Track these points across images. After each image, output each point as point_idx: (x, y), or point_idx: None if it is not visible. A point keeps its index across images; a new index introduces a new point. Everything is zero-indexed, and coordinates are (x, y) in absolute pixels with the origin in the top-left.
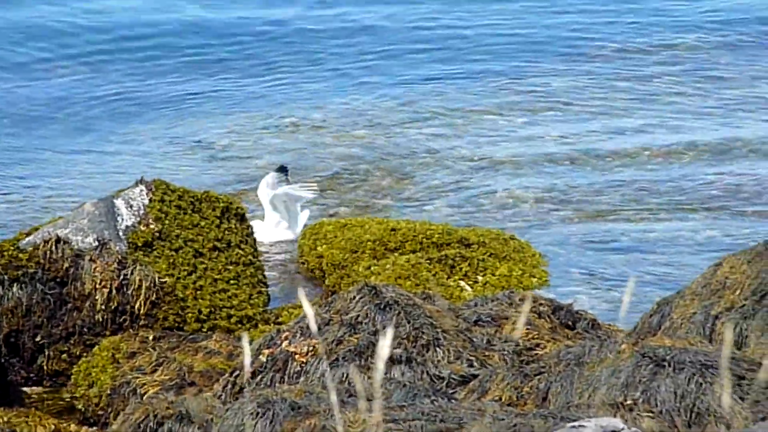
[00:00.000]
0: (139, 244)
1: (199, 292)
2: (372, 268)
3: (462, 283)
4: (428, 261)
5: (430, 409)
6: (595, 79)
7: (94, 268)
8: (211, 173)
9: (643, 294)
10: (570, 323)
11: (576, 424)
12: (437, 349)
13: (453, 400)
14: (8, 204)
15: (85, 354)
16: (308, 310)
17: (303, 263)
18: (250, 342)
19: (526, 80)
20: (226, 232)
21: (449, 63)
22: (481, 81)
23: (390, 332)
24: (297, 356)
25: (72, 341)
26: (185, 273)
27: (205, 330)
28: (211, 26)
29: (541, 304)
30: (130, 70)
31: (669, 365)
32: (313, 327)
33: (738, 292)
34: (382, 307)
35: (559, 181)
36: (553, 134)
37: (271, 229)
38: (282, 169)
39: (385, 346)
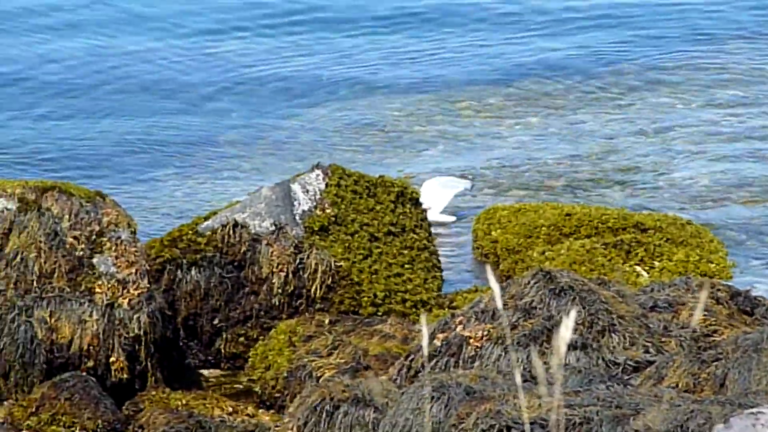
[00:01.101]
0: (316, 229)
1: (374, 276)
2: (546, 254)
3: (638, 268)
4: (603, 246)
5: (606, 394)
6: None
7: (271, 252)
8: (386, 157)
9: None
10: (748, 309)
11: (754, 410)
12: (613, 334)
13: (629, 386)
14: (188, 189)
15: (262, 337)
16: (495, 287)
17: (477, 248)
18: (425, 326)
19: (707, 60)
20: (401, 217)
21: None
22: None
23: (573, 315)
24: (471, 341)
25: (249, 324)
26: (360, 257)
27: (380, 314)
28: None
29: (719, 290)
30: (303, 49)
31: None
32: (499, 304)
33: None
34: (556, 292)
35: (738, 165)
36: (732, 116)
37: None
38: (466, 178)
39: (567, 329)
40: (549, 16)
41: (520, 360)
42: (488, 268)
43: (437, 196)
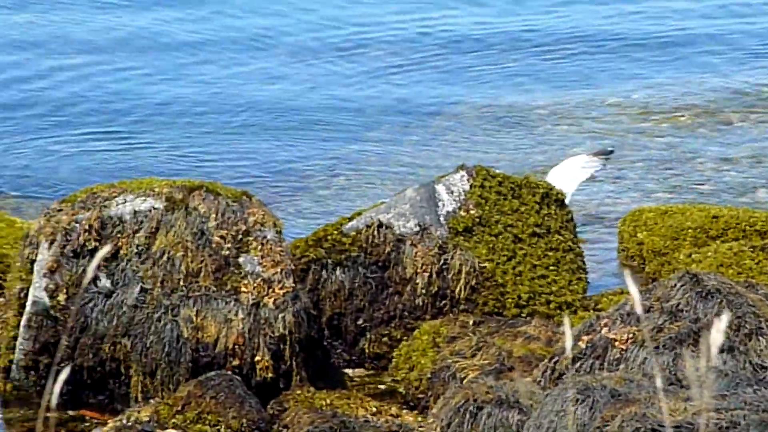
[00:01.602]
0: (460, 230)
1: (518, 278)
2: (693, 256)
3: None
4: (751, 249)
5: (753, 398)
6: None
7: (415, 253)
8: (530, 156)
9: None
10: None
11: None
12: (760, 338)
13: None
14: (333, 189)
15: (405, 338)
16: (634, 291)
17: (623, 250)
18: (570, 327)
19: None
20: (546, 218)
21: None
22: None
23: (725, 318)
24: (617, 343)
25: (393, 325)
26: (505, 258)
27: (524, 315)
28: None
29: None
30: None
31: None
32: (639, 310)
33: None
34: (703, 295)
35: None
36: None
37: None
38: (605, 153)
39: (719, 333)
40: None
41: (665, 363)
42: (627, 272)
43: (567, 180)
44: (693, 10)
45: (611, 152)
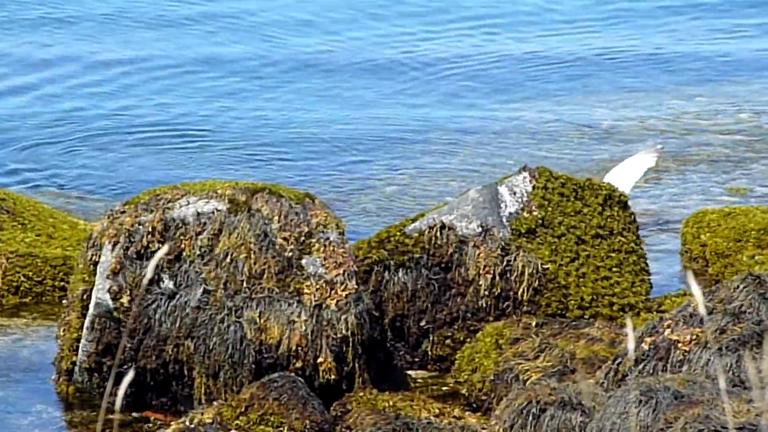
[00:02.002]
0: (522, 231)
1: (581, 280)
2: (756, 258)
3: None
4: None
5: None
6: None
7: (478, 254)
8: (595, 156)
9: None
10: None
11: None
12: None
13: None
14: (396, 190)
15: (468, 339)
16: (697, 293)
17: (686, 252)
18: (633, 329)
19: None
20: (609, 220)
21: None
22: None
23: None
24: (680, 344)
25: (456, 326)
26: (567, 260)
27: (587, 317)
28: None
29: None
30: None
31: None
32: (702, 311)
33: None
34: (766, 296)
35: None
36: None
37: None
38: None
39: None
40: None
41: (729, 365)
42: (689, 273)
43: (624, 179)
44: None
45: (661, 148)
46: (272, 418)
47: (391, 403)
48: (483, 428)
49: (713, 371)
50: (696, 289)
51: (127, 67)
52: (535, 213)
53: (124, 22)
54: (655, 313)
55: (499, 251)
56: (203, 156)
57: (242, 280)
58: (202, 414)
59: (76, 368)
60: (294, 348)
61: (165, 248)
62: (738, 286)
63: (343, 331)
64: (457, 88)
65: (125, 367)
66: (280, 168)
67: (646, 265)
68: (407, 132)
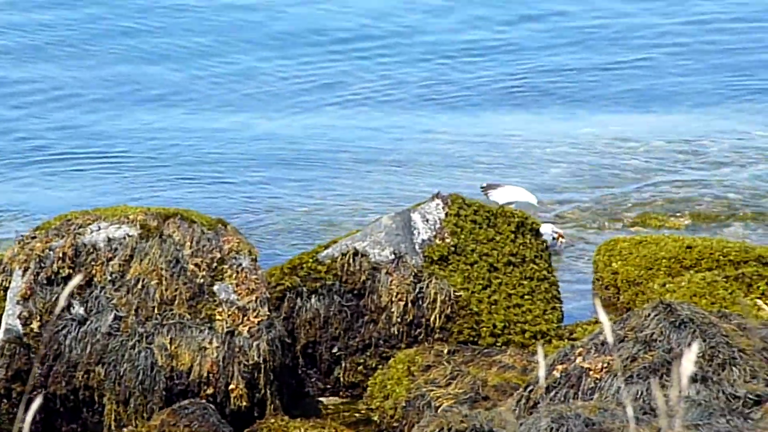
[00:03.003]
0: (435, 258)
1: (493, 307)
2: (667, 286)
3: (759, 302)
4: (725, 279)
5: (726, 428)
6: None
7: (391, 281)
8: (507, 176)
9: None
10: None
11: None
12: (733, 368)
13: (749, 420)
14: (308, 216)
15: (380, 366)
16: (605, 321)
17: (598, 279)
18: (544, 356)
19: None
20: (521, 247)
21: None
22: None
23: (695, 348)
24: (591, 372)
25: (368, 353)
26: (480, 287)
27: (499, 344)
28: None
29: None
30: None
31: None
32: (610, 339)
33: None
34: (677, 324)
35: None
36: None
37: None
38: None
39: (689, 362)
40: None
41: (639, 392)
42: (598, 301)
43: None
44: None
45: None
46: None
47: (302, 430)
48: None
49: (624, 399)
50: (604, 318)
51: (33, 92)
52: (447, 240)
53: (23, 49)
54: (566, 340)
55: (411, 278)
56: (114, 180)
57: (153, 306)
58: None
59: None
60: (205, 374)
61: (79, 278)
62: (649, 314)
63: (255, 358)
64: (369, 109)
65: (35, 393)
66: (191, 191)
67: (558, 292)
68: (319, 161)
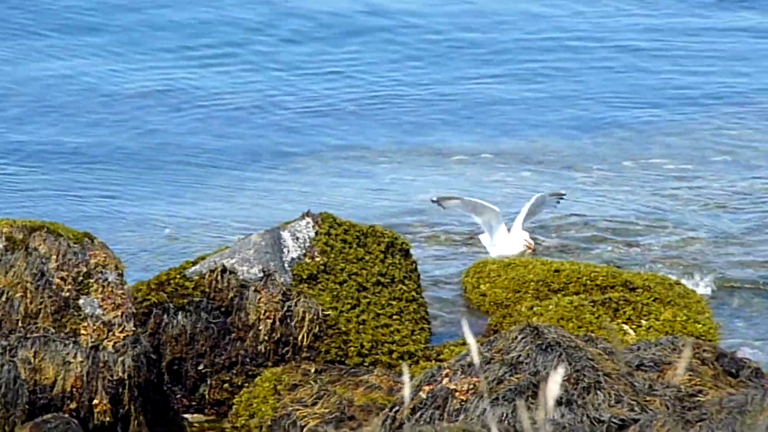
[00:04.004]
0: (304, 277)
1: (361, 327)
2: (535, 309)
3: (625, 326)
4: (591, 303)
5: None
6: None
7: (259, 299)
8: (376, 205)
9: None
10: (733, 371)
11: None
12: (598, 392)
13: None
14: (175, 232)
15: (246, 384)
16: (471, 342)
17: (466, 301)
18: (411, 377)
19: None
20: (390, 267)
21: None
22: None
23: (561, 371)
24: (457, 394)
25: (234, 371)
26: (348, 307)
27: (366, 364)
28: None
29: (704, 350)
30: (302, 103)
31: None
32: (476, 360)
33: None
34: (543, 347)
35: (729, 225)
36: (721, 181)
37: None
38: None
39: (555, 385)
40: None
41: (505, 414)
42: (464, 322)
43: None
44: None
45: (563, 195)
46: None
47: None
48: None
49: (489, 420)
50: (471, 340)
51: None
52: (317, 259)
53: None
54: (434, 361)
55: (280, 296)
56: None
57: (17, 320)
58: None
59: None
60: (69, 389)
61: None
62: (516, 337)
63: (120, 373)
64: (239, 130)
65: None
66: (59, 206)
67: (427, 313)
68: (189, 174)
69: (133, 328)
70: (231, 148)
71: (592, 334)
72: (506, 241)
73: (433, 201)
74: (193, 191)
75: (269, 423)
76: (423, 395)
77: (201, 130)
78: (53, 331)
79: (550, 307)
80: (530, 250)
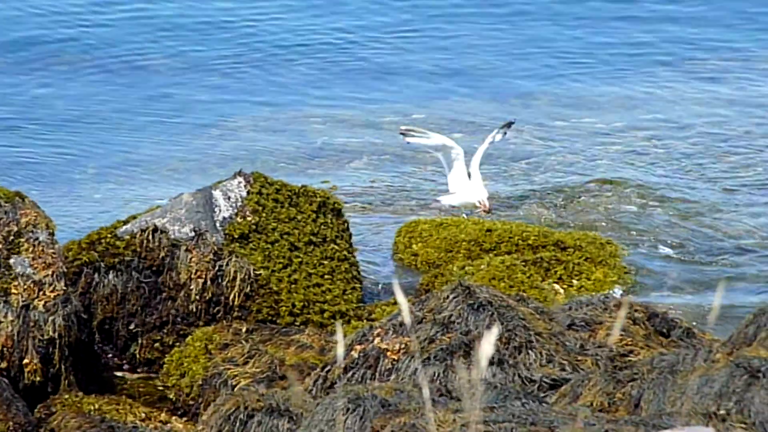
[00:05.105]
0: (236, 236)
1: (293, 286)
2: (466, 268)
3: (556, 286)
4: (523, 263)
5: (521, 411)
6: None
7: (190, 259)
8: (309, 167)
9: (741, 302)
10: (665, 331)
11: (668, 431)
12: (530, 351)
13: (544, 404)
14: (108, 192)
15: (178, 344)
16: (402, 301)
17: (398, 261)
18: (343, 337)
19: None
20: (322, 227)
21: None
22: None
23: (495, 331)
24: (389, 353)
25: (165, 330)
26: (280, 266)
27: (298, 324)
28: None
29: (636, 311)
30: (230, 66)
31: (764, 376)
32: (407, 320)
33: None
34: (475, 307)
35: (662, 183)
36: (653, 140)
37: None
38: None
39: (489, 345)
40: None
41: (436, 374)
42: (395, 283)
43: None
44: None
45: (512, 123)
46: None
47: (96, 406)
48: None
49: (421, 380)
50: (402, 299)
51: None
52: (249, 218)
53: None
54: (365, 321)
55: (211, 256)
56: None
57: None
58: None
59: None
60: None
61: None
62: (448, 296)
63: (50, 333)
64: (172, 90)
65: None
66: None
67: (359, 273)
68: (119, 132)
69: (64, 288)
70: (159, 108)
71: (524, 294)
72: (466, 188)
73: (400, 133)
74: (121, 152)
75: (200, 382)
76: (355, 355)
77: (130, 90)
78: None
79: (482, 266)
80: (485, 211)
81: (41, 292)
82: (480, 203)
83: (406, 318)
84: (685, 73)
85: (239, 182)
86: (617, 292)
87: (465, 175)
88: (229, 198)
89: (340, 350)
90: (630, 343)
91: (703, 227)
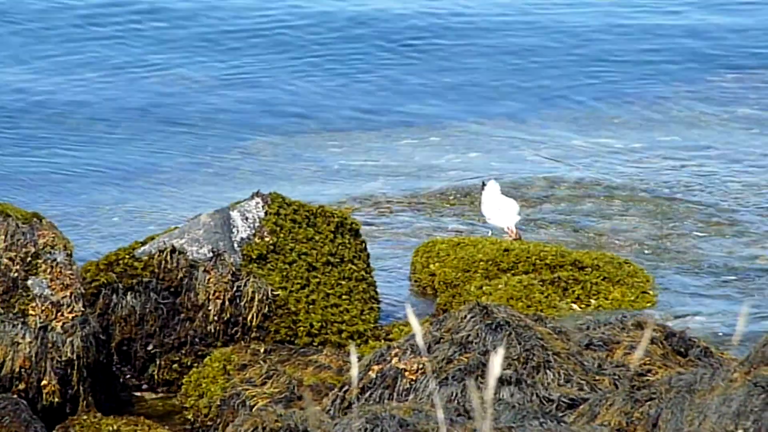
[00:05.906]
0: (254, 257)
1: (311, 306)
2: (484, 288)
3: (574, 306)
4: (541, 282)
5: (539, 431)
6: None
7: (208, 279)
8: (325, 192)
9: (759, 322)
10: (682, 350)
11: None
12: (547, 371)
13: (562, 423)
14: (126, 213)
15: (196, 364)
16: (415, 325)
17: (415, 281)
18: (360, 357)
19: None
20: (340, 247)
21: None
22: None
23: (501, 351)
24: (407, 373)
25: (183, 351)
26: (298, 286)
27: (315, 344)
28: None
29: (654, 330)
30: (252, 85)
31: None
32: (420, 343)
33: None
34: (493, 327)
35: (677, 204)
36: (670, 160)
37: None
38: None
39: (496, 364)
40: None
41: (454, 394)
42: (408, 306)
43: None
44: None
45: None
46: None
47: (115, 427)
48: None
49: (437, 400)
50: (415, 323)
51: None
52: (266, 239)
53: None
54: (383, 341)
55: (229, 276)
56: None
57: None
58: None
59: None
60: (17, 370)
61: None
62: (465, 316)
63: (69, 354)
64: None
65: None
66: (7, 188)
67: (376, 293)
68: (139, 162)
69: (82, 309)
70: (179, 130)
71: (541, 314)
72: (496, 212)
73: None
74: (141, 174)
75: (218, 403)
76: (372, 375)
77: (147, 116)
78: (1, 311)
79: (500, 286)
80: (512, 238)
81: (59, 314)
82: (508, 229)
83: (420, 342)
84: (704, 92)
85: (257, 203)
86: (653, 314)
87: (496, 199)
88: (246, 218)
89: (355, 371)
90: (648, 362)
91: (724, 246)
